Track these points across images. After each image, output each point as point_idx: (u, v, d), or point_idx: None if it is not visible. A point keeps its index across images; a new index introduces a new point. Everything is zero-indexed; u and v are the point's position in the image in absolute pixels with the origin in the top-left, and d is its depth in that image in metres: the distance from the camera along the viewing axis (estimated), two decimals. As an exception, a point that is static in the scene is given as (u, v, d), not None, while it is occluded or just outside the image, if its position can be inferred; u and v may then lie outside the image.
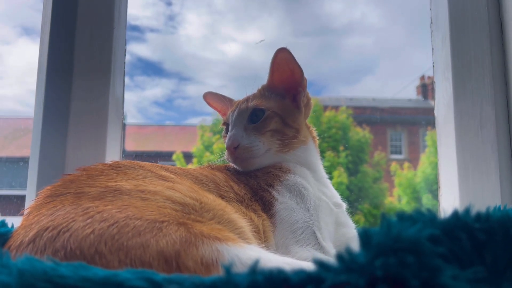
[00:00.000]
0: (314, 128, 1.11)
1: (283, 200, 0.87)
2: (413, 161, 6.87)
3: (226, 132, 1.05)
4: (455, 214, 0.38)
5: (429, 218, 0.37)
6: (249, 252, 0.54)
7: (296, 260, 0.61)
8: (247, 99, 1.03)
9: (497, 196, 1.00)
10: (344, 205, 0.99)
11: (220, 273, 0.50)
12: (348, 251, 0.34)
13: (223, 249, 0.53)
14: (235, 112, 1.01)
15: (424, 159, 6.39)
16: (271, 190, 0.89)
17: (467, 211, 0.39)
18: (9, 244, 0.57)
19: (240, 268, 0.51)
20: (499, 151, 1.02)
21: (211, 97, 1.17)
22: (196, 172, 0.87)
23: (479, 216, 0.39)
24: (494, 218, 0.39)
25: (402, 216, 0.37)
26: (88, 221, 0.53)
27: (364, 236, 0.35)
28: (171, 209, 0.62)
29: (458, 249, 0.36)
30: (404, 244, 0.33)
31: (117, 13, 1.17)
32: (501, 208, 0.74)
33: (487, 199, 1.01)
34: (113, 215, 0.54)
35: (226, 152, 0.97)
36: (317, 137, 1.11)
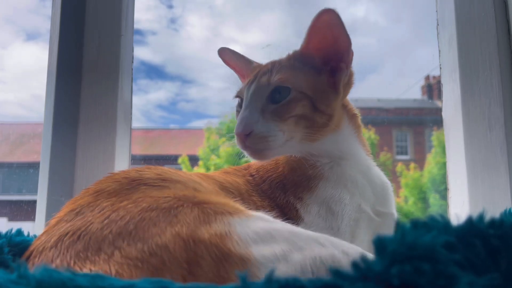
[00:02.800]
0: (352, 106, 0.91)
1: (308, 220, 0.74)
2: (419, 161, 6.84)
3: (240, 107, 0.86)
4: (469, 220, 0.38)
5: (443, 225, 0.38)
6: (257, 223, 0.54)
7: (306, 231, 0.56)
8: (270, 69, 0.82)
9: (507, 198, 1.00)
10: (394, 215, 0.81)
11: (233, 243, 0.50)
12: (363, 258, 0.35)
13: (234, 222, 0.53)
14: (252, 87, 0.81)
15: (430, 159, 6.36)
16: (299, 206, 0.76)
17: (480, 217, 0.39)
18: (31, 250, 0.57)
19: (252, 236, 0.51)
20: (508, 153, 1.02)
21: (228, 55, 0.98)
22: (220, 177, 0.79)
23: (493, 222, 0.39)
24: (508, 223, 0.39)
25: (416, 223, 0.37)
26: (105, 222, 0.53)
27: (379, 243, 0.36)
28: (189, 190, 0.61)
29: (473, 256, 0.36)
30: (420, 252, 0.34)
31: (124, 21, 1.19)
32: (512, 211, 0.74)
33: (497, 201, 1.01)
34: (128, 211, 0.55)
35: (236, 137, 0.79)
36: (358, 114, 0.91)
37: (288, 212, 0.76)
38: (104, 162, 1.14)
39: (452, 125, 1.12)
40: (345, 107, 0.88)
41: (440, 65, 1.17)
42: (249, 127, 0.76)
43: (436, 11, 1.19)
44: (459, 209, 1.07)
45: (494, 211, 0.96)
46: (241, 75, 0.98)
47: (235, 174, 0.85)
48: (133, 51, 1.24)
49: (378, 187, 0.83)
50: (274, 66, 0.82)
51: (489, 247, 0.37)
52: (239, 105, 0.87)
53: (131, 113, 1.24)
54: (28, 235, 0.70)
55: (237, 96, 0.89)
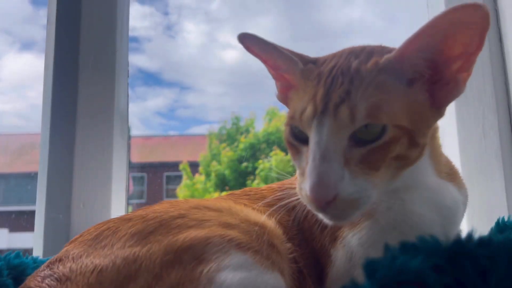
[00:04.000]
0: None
1: (340, 266, 0.61)
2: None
3: (295, 138, 0.60)
4: (458, 240, 0.39)
5: (433, 246, 0.38)
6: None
7: None
8: (348, 89, 0.54)
9: (503, 205, 1.00)
10: (459, 232, 0.70)
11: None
12: (354, 283, 0.35)
13: None
14: (327, 123, 0.54)
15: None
16: (332, 251, 0.62)
17: (469, 236, 0.39)
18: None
19: None
20: (504, 159, 1.03)
21: (252, 43, 0.67)
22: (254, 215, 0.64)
23: (481, 242, 0.39)
24: (496, 242, 0.39)
25: (405, 246, 0.38)
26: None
27: (369, 268, 0.36)
28: None
29: (462, 276, 0.37)
30: (408, 276, 0.34)
31: (119, 36, 1.20)
32: (505, 219, 0.75)
33: (493, 207, 1.01)
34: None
35: (302, 194, 0.56)
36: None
37: (321, 258, 0.63)
38: (101, 171, 1.15)
39: (446, 133, 1.12)
40: None
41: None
42: (333, 190, 0.52)
43: (428, 20, 1.20)
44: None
45: (490, 218, 0.97)
46: (271, 67, 0.69)
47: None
48: (128, 65, 1.25)
49: (450, 210, 0.66)
50: (354, 83, 0.55)
51: (478, 268, 0.38)
52: (294, 136, 0.60)
53: (127, 123, 1.25)
54: (27, 257, 0.70)
55: (289, 124, 0.61)
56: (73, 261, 0.53)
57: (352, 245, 0.60)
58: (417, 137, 0.56)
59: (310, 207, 0.56)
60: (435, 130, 0.68)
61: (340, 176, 0.52)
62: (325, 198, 0.51)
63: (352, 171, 0.53)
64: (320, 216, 0.57)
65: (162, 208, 0.62)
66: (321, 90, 0.56)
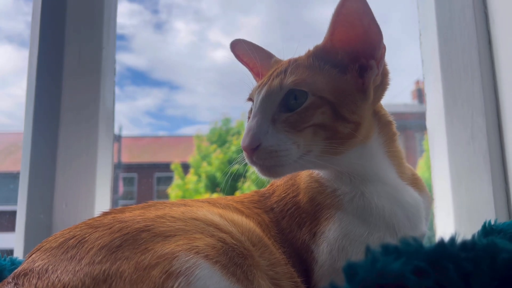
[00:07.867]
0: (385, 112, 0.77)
1: (321, 261, 0.65)
2: (411, 165, 6.83)
3: (251, 109, 0.73)
4: (441, 243, 0.38)
5: (415, 249, 0.37)
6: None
7: None
8: (284, 69, 0.69)
9: (490, 208, 1.00)
10: (425, 233, 0.73)
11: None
12: (333, 286, 0.34)
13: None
14: (263, 91, 0.69)
15: (422, 164, 6.36)
16: (313, 247, 0.67)
17: (452, 240, 0.39)
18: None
19: None
20: (492, 162, 1.02)
21: (242, 49, 0.83)
22: (237, 219, 0.68)
23: (464, 245, 0.38)
24: (480, 246, 0.38)
25: (387, 248, 0.37)
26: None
27: (349, 270, 0.35)
28: None
29: (445, 280, 0.36)
30: (389, 279, 0.33)
31: (106, 33, 1.18)
32: (492, 222, 0.74)
33: (481, 210, 1.01)
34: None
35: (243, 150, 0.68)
36: (393, 121, 0.77)
37: (304, 255, 0.67)
38: (85, 170, 1.13)
39: (436, 134, 1.12)
40: (377, 113, 0.74)
41: (423, 75, 1.18)
42: (256, 140, 0.64)
43: (418, 21, 1.20)
44: (444, 220, 1.07)
45: (477, 221, 0.97)
46: (256, 73, 0.84)
47: (255, 215, 0.73)
48: (115, 62, 1.23)
49: (412, 208, 0.72)
50: (289, 65, 0.69)
51: (461, 271, 0.37)
52: (251, 111, 0.72)
53: (113, 122, 1.22)
54: (5, 259, 0.68)
55: (249, 99, 0.75)
56: (39, 278, 0.50)
57: (329, 238, 0.66)
58: (341, 110, 0.66)
59: (246, 159, 0.67)
60: (389, 128, 0.76)
61: (265, 130, 0.65)
62: (251, 145, 0.64)
63: (276, 128, 0.65)
64: (254, 168, 0.67)
65: (130, 216, 0.60)
66: (271, 71, 0.73)
